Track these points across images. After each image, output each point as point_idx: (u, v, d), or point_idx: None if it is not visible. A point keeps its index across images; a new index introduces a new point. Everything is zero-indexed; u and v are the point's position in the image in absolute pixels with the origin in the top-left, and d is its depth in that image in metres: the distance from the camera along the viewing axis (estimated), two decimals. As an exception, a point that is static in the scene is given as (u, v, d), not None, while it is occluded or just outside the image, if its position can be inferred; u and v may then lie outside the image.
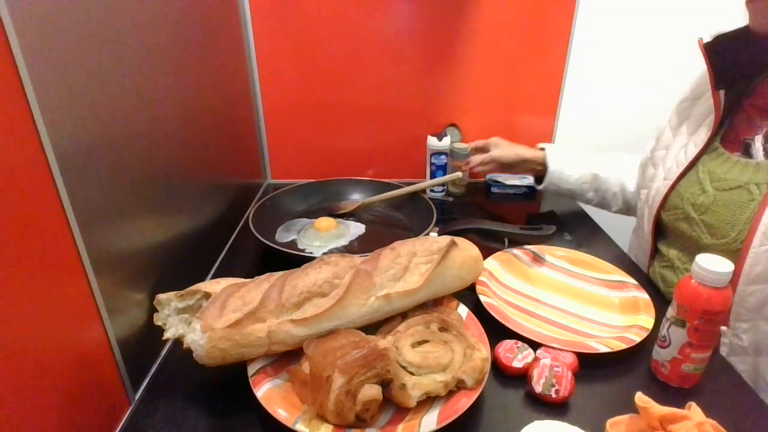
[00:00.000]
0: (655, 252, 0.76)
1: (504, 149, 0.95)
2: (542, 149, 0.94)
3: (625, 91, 1.14)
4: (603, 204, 0.95)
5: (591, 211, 1.01)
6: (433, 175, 1.07)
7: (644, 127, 0.90)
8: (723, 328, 0.59)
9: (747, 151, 0.63)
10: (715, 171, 0.65)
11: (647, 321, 0.61)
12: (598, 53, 1.09)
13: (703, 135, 0.67)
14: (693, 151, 0.68)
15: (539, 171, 0.95)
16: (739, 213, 0.60)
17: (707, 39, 0.64)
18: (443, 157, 1.06)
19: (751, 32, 0.60)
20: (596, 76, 1.11)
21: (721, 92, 0.65)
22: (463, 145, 1.05)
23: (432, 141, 1.04)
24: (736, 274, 0.57)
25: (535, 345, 0.57)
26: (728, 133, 0.67)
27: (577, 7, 1.03)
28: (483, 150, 0.98)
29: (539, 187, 0.96)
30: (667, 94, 0.80)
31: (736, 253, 0.58)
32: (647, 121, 0.92)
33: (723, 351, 0.61)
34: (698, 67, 0.69)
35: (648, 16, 1.07)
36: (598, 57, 1.09)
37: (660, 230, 0.75)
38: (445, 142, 1.04)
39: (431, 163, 1.07)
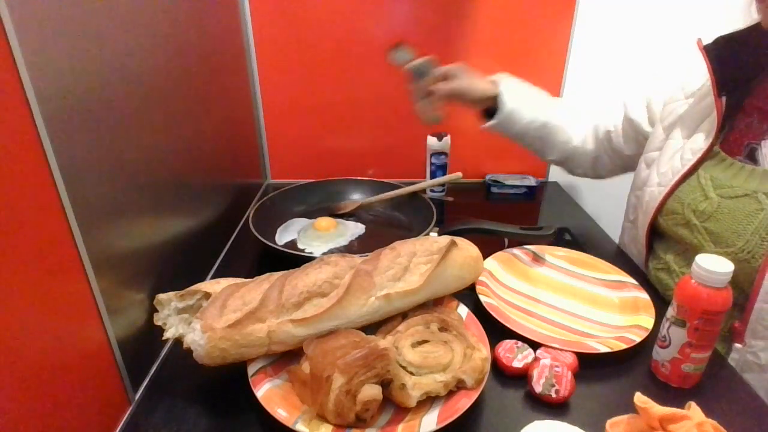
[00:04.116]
0: (649, 253, 0.75)
1: (470, 81, 0.80)
2: (495, 82, 0.82)
3: (626, 84, 1.12)
4: (540, 152, 0.89)
5: (591, 211, 1.01)
6: (433, 175, 1.07)
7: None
8: (737, 345, 0.58)
9: (752, 157, 0.61)
10: (718, 177, 0.62)
11: (647, 321, 0.61)
12: (598, 48, 1.08)
13: (701, 142, 0.65)
14: (690, 158, 0.65)
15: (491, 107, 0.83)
16: (746, 222, 0.58)
17: (707, 41, 0.62)
18: (443, 157, 1.06)
19: (758, 32, 0.58)
20: (597, 72, 1.10)
21: (723, 99, 0.62)
22: (422, 60, 0.81)
23: (432, 141, 1.04)
24: (753, 291, 0.56)
25: (535, 345, 0.57)
26: (729, 135, 0.64)
27: (578, 5, 1.03)
28: (444, 79, 0.81)
29: (485, 125, 0.84)
30: (669, 87, 0.79)
31: (744, 263, 0.57)
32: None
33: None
34: (690, 63, 0.68)
35: (647, 17, 1.06)
36: (599, 52, 1.09)
37: (655, 233, 0.73)
38: (445, 142, 1.04)
39: (431, 163, 1.07)
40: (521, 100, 0.82)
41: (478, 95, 0.81)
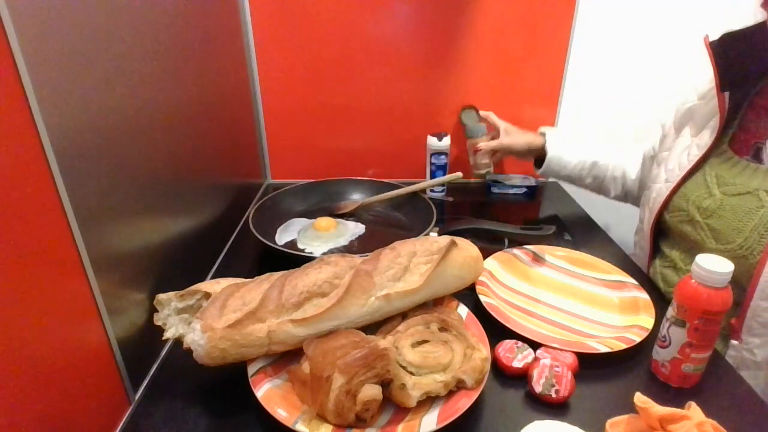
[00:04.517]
0: (655, 251, 0.75)
1: (514, 137, 0.96)
2: (543, 134, 0.95)
3: (626, 83, 1.13)
4: (601, 190, 0.95)
5: (591, 211, 1.01)
6: (433, 175, 1.07)
7: (645, 120, 0.90)
8: (734, 342, 0.59)
9: (757, 156, 0.61)
10: (723, 175, 0.63)
11: (647, 321, 0.61)
12: (598, 47, 1.08)
13: (706, 138, 0.66)
14: (696, 153, 0.66)
15: (541, 156, 0.96)
16: (746, 219, 0.58)
17: (713, 37, 0.62)
18: (443, 157, 1.06)
19: (765, 31, 0.58)
20: (597, 71, 1.10)
21: (726, 94, 0.63)
22: (473, 123, 1.05)
23: (432, 141, 1.04)
24: (750, 288, 0.56)
25: (535, 345, 0.57)
26: (738, 134, 0.65)
27: (578, 5, 1.02)
28: (493, 136, 1.00)
29: (538, 172, 0.97)
30: (669, 87, 0.79)
31: (742, 259, 0.57)
32: (648, 114, 0.92)
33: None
34: (702, 64, 0.68)
35: (649, 10, 1.06)
36: (599, 51, 1.09)
37: (662, 230, 0.74)
38: (445, 142, 1.04)
39: (431, 163, 1.07)
40: (565, 146, 0.92)
41: (524, 148, 0.95)
